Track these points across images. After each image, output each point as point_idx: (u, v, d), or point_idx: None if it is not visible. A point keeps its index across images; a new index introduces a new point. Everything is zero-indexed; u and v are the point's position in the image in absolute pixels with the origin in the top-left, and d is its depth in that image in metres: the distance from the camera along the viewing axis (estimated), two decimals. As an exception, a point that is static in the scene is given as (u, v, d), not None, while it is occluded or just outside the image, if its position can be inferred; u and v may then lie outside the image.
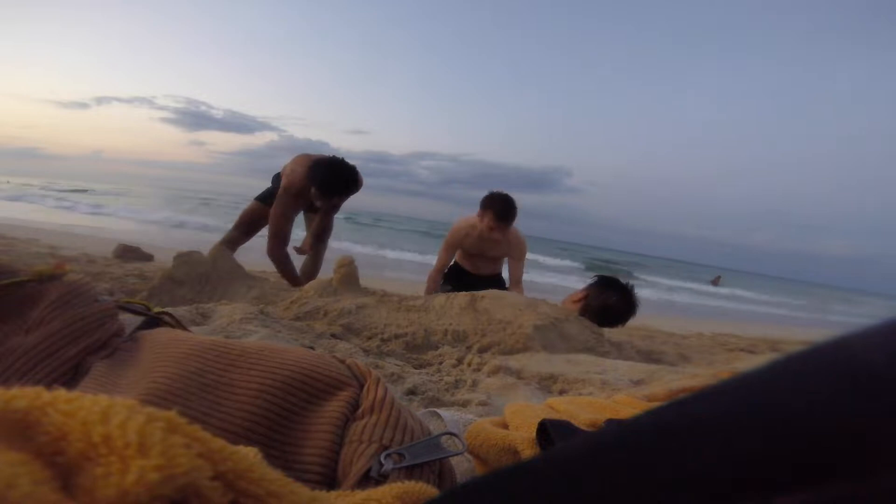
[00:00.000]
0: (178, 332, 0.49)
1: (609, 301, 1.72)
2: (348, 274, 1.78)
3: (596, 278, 1.86)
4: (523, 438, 0.42)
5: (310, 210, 2.44)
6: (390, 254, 8.30)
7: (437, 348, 1.41)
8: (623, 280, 1.83)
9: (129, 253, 2.93)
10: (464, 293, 1.67)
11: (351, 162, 2.18)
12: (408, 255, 8.20)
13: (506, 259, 2.37)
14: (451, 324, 1.51)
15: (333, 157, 2.19)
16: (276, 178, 2.35)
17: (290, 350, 0.43)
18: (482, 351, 1.41)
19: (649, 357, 1.83)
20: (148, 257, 2.90)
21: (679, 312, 5.99)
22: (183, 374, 0.38)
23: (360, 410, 0.38)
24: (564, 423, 0.40)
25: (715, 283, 15.33)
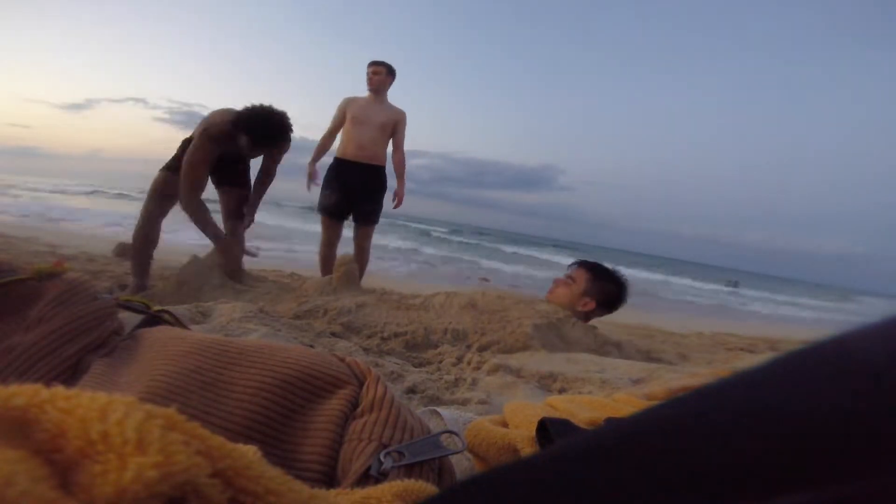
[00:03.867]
0: (178, 331, 0.49)
1: (609, 291, 1.71)
2: (348, 273, 1.78)
3: (578, 265, 1.79)
4: (523, 437, 0.42)
5: (223, 171, 2.19)
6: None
7: (436, 347, 1.41)
8: (605, 265, 1.79)
9: (128, 251, 2.92)
10: (462, 293, 1.67)
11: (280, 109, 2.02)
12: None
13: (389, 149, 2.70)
14: (450, 322, 1.51)
15: (262, 104, 2.01)
16: (186, 144, 2.12)
17: (290, 348, 0.43)
18: (482, 350, 1.41)
19: (649, 356, 1.83)
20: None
21: (679, 311, 5.99)
22: (182, 372, 0.38)
23: (359, 409, 0.38)
24: (564, 422, 0.40)
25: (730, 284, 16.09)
